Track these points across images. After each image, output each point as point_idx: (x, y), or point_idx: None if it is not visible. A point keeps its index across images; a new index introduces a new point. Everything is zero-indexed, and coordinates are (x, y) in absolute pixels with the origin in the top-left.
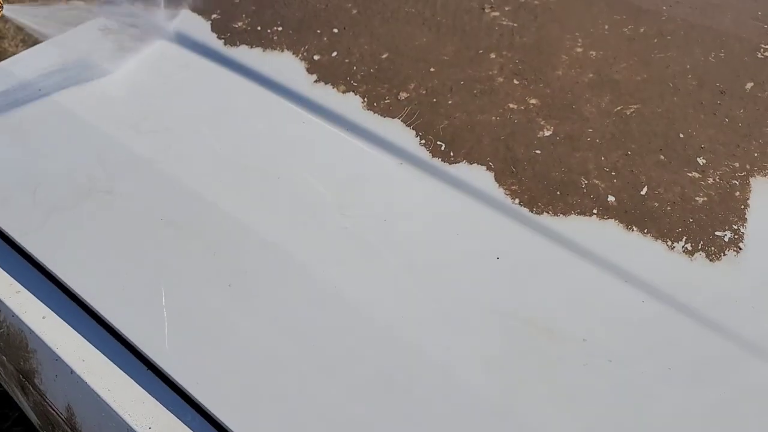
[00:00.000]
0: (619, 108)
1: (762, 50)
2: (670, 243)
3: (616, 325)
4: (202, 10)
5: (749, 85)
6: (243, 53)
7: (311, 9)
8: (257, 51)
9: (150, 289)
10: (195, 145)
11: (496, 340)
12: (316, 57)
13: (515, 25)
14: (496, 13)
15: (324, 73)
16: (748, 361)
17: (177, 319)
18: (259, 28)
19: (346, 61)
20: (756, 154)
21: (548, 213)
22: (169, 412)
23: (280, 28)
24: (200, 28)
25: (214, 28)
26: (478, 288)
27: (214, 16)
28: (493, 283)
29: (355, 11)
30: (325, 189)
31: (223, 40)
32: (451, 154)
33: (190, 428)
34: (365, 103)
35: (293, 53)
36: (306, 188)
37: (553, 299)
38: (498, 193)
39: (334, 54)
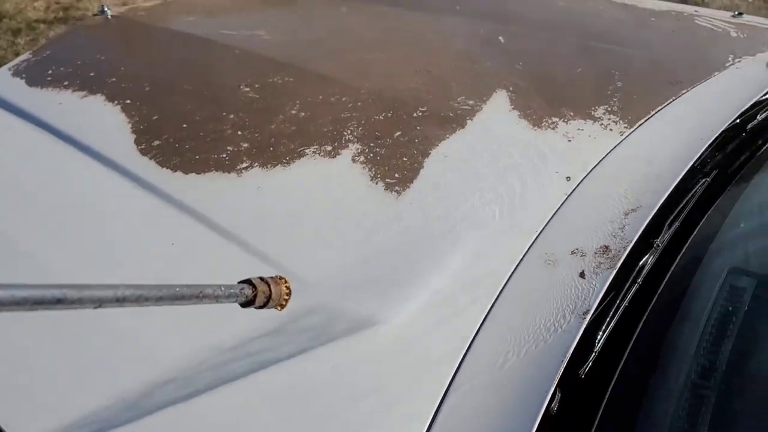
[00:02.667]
0: (302, 148)
1: (418, 111)
2: None
3: None
4: None
5: (397, 134)
6: None
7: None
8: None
9: None
10: None
11: None
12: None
13: (257, 96)
14: (247, 89)
15: None
16: None
17: None
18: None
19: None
20: (379, 175)
21: None
22: None
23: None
24: None
25: None
26: None
27: None
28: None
29: (147, 89)
30: None
31: None
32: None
33: None
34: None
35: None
36: None
37: None
38: None
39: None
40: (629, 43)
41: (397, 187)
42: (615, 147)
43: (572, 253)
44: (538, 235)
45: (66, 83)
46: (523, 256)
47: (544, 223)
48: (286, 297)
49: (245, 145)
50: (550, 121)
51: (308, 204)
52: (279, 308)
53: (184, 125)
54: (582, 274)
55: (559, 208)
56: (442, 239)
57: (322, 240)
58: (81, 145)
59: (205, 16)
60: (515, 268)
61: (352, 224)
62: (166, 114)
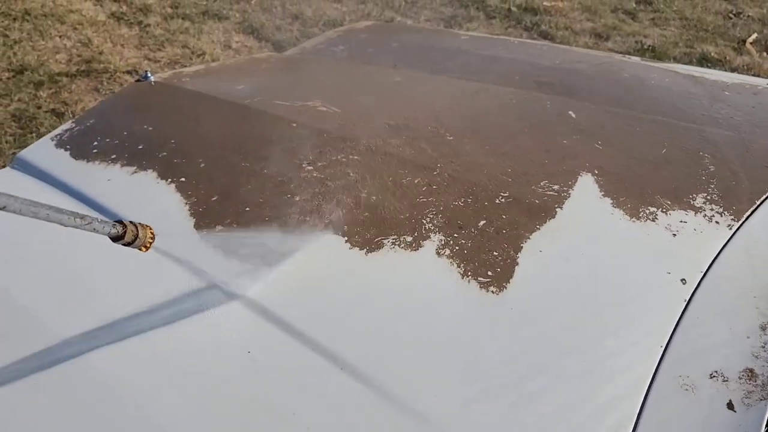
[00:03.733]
0: (379, 238)
1: (500, 197)
2: None
3: None
4: None
5: (482, 223)
6: None
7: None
8: None
9: None
10: None
11: None
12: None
13: (322, 176)
14: (311, 167)
15: None
16: None
17: None
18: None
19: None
20: (470, 272)
21: None
22: None
23: None
24: None
25: None
26: None
27: None
28: None
29: (203, 165)
30: None
31: None
32: None
33: None
34: None
35: None
36: None
37: None
38: None
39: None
40: (710, 121)
41: (492, 288)
42: (727, 243)
43: (711, 376)
44: (664, 352)
45: (114, 157)
46: (653, 378)
47: (667, 338)
48: (151, 240)
49: (322, 231)
50: (647, 212)
51: (394, 309)
52: (143, 249)
53: (247, 208)
54: (730, 406)
55: (680, 319)
56: (554, 358)
57: (411, 352)
58: None
59: (253, 83)
60: (646, 394)
61: (447, 333)
62: (225, 195)
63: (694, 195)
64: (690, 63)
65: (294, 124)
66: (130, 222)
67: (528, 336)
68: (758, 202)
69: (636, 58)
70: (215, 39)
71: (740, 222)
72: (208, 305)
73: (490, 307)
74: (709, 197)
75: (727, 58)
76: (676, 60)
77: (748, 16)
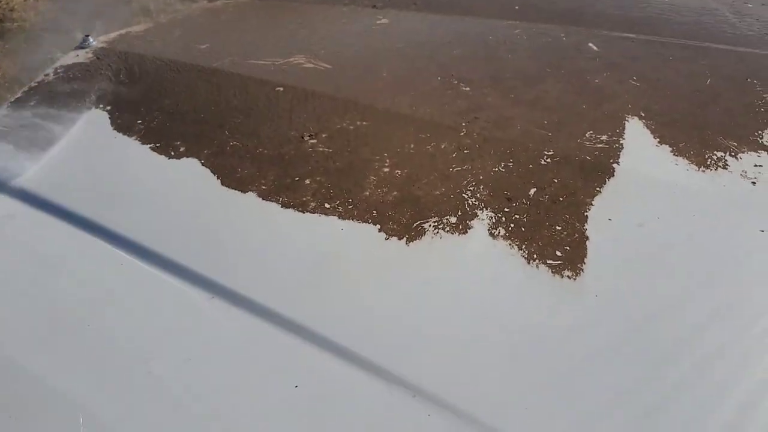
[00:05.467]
0: (417, 222)
1: (545, 157)
2: None
3: None
4: None
5: (532, 191)
6: None
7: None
8: None
9: None
10: None
11: None
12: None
13: (330, 150)
14: (314, 141)
15: None
16: None
17: None
18: None
19: None
20: (535, 255)
21: None
22: None
23: None
24: None
25: None
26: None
27: None
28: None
29: (182, 149)
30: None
31: None
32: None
33: None
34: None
35: None
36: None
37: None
38: None
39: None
40: (744, 42)
41: (567, 272)
42: None
43: None
44: None
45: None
46: None
47: None
48: None
49: (341, 225)
50: (714, 158)
51: (449, 308)
52: None
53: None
54: None
55: None
56: (665, 353)
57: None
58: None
59: (216, 39)
60: None
61: (521, 334)
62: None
63: (760, 131)
64: None
65: (280, 88)
66: None
67: (629, 328)
68: None
69: None
70: None
71: None
72: None
73: (571, 297)
74: None
75: None
76: None
77: None
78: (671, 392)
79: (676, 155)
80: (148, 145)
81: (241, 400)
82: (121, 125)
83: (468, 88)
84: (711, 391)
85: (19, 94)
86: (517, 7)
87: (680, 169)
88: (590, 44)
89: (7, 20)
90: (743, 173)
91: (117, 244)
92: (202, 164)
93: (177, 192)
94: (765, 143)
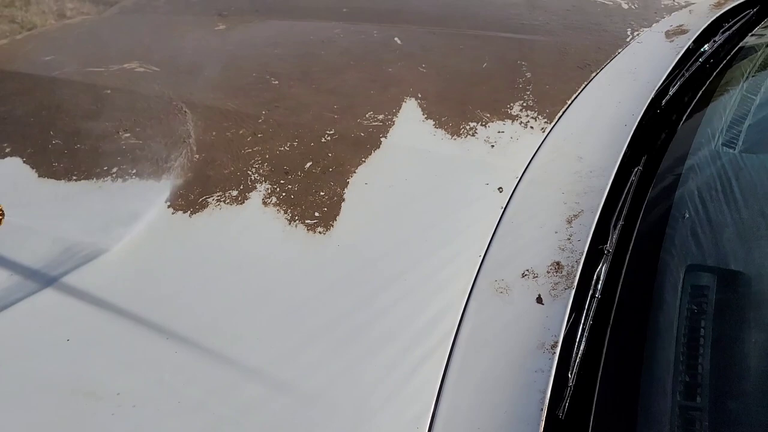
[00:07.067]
0: (203, 198)
1: (326, 135)
2: None
3: None
4: None
5: (308, 164)
6: None
7: None
8: None
9: None
10: None
11: None
12: None
13: (140, 142)
14: (128, 134)
15: None
16: None
17: None
18: None
19: None
20: (297, 217)
21: None
22: None
23: None
24: None
25: None
26: None
27: None
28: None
29: (8, 150)
30: None
31: None
32: None
33: None
34: None
35: None
36: None
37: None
38: None
39: None
40: (529, 29)
41: (319, 228)
42: (540, 146)
43: (523, 275)
44: (483, 259)
45: None
46: (472, 287)
47: (486, 245)
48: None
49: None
50: (467, 128)
51: (224, 272)
52: None
53: (65, 181)
54: (539, 299)
55: (498, 225)
56: (381, 284)
57: (244, 308)
58: None
59: (63, 52)
60: (466, 303)
61: (276, 280)
62: (44, 173)
63: (511, 104)
64: None
65: (108, 91)
66: None
67: (355, 268)
68: (569, 102)
69: None
70: (46, 9)
71: (553, 124)
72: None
73: (317, 249)
74: (525, 104)
75: None
76: None
77: None
78: (380, 314)
79: (437, 128)
80: None
81: None
82: None
83: (277, 82)
84: (413, 307)
85: None
86: (345, 10)
87: (436, 138)
88: (396, 39)
89: None
90: (487, 138)
91: None
92: (24, 162)
93: None
94: (512, 113)
